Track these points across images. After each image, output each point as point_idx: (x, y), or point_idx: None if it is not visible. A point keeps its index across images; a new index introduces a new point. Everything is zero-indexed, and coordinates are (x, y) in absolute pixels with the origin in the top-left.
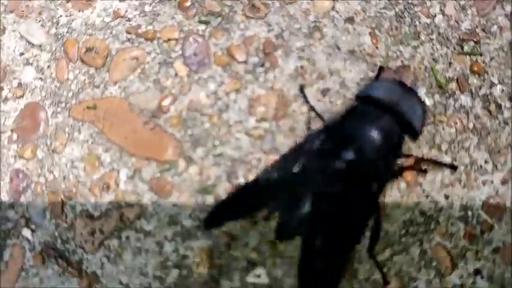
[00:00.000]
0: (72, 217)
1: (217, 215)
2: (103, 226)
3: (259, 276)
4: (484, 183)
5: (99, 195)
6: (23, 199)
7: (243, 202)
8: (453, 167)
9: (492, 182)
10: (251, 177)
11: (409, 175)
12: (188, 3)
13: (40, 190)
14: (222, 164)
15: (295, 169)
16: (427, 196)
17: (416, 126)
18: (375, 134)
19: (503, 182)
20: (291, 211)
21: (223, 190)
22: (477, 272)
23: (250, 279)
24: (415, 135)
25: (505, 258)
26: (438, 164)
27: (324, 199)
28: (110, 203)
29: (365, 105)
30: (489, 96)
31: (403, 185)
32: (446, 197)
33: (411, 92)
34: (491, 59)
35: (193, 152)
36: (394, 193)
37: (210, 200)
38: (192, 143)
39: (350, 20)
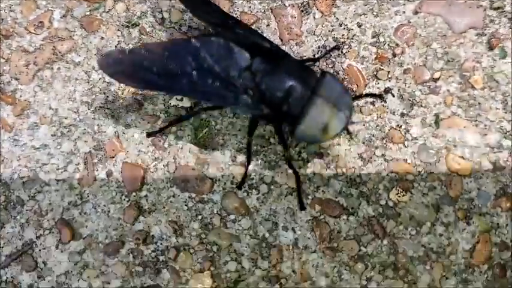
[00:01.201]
0: (9, 53)
1: None
2: (37, 59)
3: (181, 100)
4: (396, 13)
5: (35, 32)
6: None
7: None
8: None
9: (404, 12)
10: (174, 12)
11: (323, 5)
12: None
13: None
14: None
15: None
16: (340, 25)
17: None
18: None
19: (415, 12)
20: None
21: (147, 23)
22: (388, 90)
23: (173, 102)
24: None
25: (415, 80)
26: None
27: None
28: (43, 38)
29: None
30: None
31: (317, 14)
32: (359, 25)
33: None
34: None
35: None
36: (309, 21)
37: (135, 32)
38: None
39: None
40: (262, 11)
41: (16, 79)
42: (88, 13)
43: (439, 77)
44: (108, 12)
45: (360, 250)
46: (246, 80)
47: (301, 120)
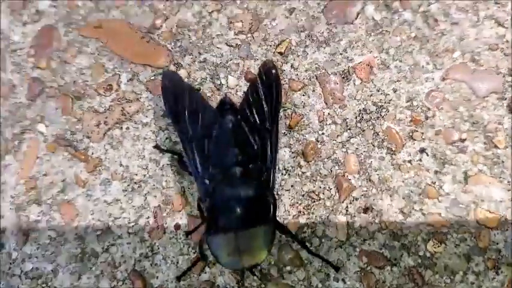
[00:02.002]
0: (81, 113)
1: None
2: (107, 119)
3: None
4: (426, 79)
5: (104, 94)
6: (38, 101)
7: None
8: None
9: (433, 79)
10: (231, 78)
11: (362, 73)
12: None
13: (53, 93)
14: (206, 68)
15: None
16: (378, 90)
17: None
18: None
19: (442, 79)
20: None
21: (208, 89)
22: (423, 150)
23: None
24: None
25: (446, 140)
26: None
27: None
28: (112, 100)
29: None
30: (427, 13)
31: (357, 81)
32: (395, 90)
33: None
34: None
35: (181, 59)
36: (350, 87)
37: None
38: (181, 52)
39: None
40: (308, 78)
41: (88, 137)
42: (153, 77)
43: (466, 138)
44: None
45: None
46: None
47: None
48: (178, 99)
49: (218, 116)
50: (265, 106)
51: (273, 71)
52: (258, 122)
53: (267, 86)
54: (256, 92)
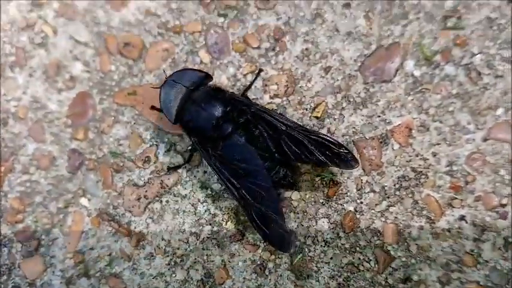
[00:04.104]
0: (121, 186)
1: None
2: (147, 192)
3: None
4: (467, 141)
5: (143, 167)
6: (79, 174)
7: None
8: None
9: (474, 140)
10: None
11: (401, 137)
12: (208, 0)
13: (93, 165)
14: None
15: None
16: (417, 155)
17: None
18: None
19: (484, 139)
20: None
21: None
22: (462, 217)
23: None
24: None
25: (485, 206)
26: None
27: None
28: (151, 172)
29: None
30: (470, 65)
31: (396, 146)
32: (434, 154)
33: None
34: (472, 32)
35: None
36: (388, 153)
37: None
38: None
39: (347, 5)
40: (345, 143)
41: (129, 211)
42: (189, 147)
43: (507, 203)
44: None
45: None
46: None
47: None
48: None
49: None
50: None
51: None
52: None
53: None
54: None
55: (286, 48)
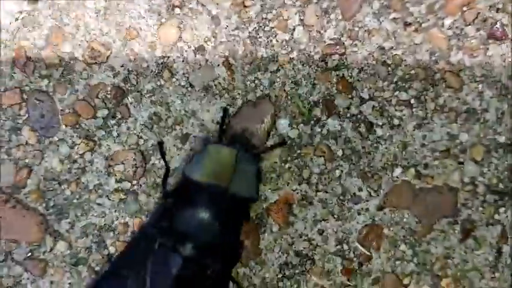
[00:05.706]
0: None
1: None
2: None
3: None
4: (358, 212)
5: None
6: None
7: None
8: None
9: (367, 210)
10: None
11: (279, 216)
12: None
13: None
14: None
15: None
16: (300, 235)
17: (252, 196)
18: (209, 223)
19: (379, 208)
20: None
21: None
22: None
23: None
24: (253, 201)
25: None
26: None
27: None
28: None
29: (193, 187)
30: (359, 116)
31: (275, 227)
32: (320, 232)
33: (244, 155)
34: (360, 70)
35: (58, 226)
36: (267, 237)
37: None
38: (56, 216)
39: (201, 49)
40: None
41: None
42: (29, 254)
43: (409, 283)
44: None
45: None
46: None
47: None
48: None
49: None
50: None
51: None
52: None
53: None
54: None
55: (129, 114)
